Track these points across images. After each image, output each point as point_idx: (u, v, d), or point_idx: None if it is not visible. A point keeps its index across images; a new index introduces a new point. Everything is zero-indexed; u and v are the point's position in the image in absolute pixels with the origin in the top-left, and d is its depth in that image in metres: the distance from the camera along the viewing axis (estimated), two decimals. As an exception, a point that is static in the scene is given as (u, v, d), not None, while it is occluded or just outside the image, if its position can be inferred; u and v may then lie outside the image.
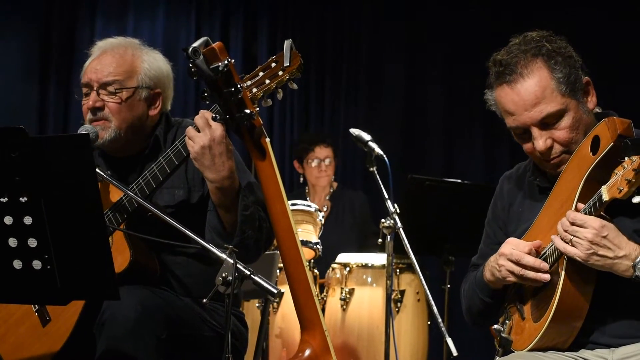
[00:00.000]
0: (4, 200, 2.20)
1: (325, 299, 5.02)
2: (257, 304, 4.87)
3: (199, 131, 2.61)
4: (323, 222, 5.05)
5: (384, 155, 4.19)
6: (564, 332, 2.38)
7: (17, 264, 2.23)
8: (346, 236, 5.77)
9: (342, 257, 5.11)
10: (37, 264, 2.22)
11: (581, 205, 2.31)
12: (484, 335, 2.69)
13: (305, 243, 4.78)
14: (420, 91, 7.06)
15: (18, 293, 2.30)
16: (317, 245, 4.87)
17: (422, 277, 4.02)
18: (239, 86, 2.35)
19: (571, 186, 2.36)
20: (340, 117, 7.09)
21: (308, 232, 4.88)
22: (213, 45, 2.33)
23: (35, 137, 2.19)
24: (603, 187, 2.21)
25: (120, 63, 2.93)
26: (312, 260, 4.94)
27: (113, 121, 2.91)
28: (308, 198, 5.76)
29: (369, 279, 4.96)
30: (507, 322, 2.57)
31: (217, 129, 2.58)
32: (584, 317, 2.35)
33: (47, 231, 2.20)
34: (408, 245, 4.03)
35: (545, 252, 2.41)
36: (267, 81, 2.46)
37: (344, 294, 4.91)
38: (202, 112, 2.63)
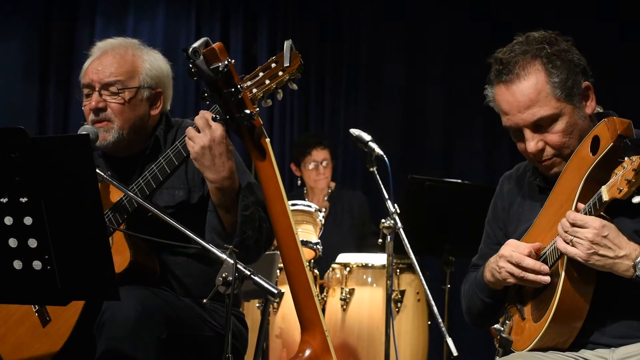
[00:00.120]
0: (4, 200, 2.20)
1: (325, 299, 5.02)
2: (257, 304, 4.87)
3: (199, 131, 2.61)
4: (323, 222, 5.05)
5: (384, 156, 4.19)
6: (564, 332, 2.38)
7: (17, 264, 2.23)
8: (345, 236, 5.77)
9: (342, 257, 5.11)
10: (37, 265, 2.22)
11: (581, 206, 2.31)
12: (484, 336, 2.69)
13: (305, 243, 4.78)
14: (420, 91, 7.06)
15: (18, 293, 2.30)
16: (317, 246, 4.87)
17: (422, 277, 4.02)
18: (239, 86, 2.35)
19: (571, 186, 2.36)
20: (340, 117, 7.09)
21: (308, 232, 4.88)
22: (213, 45, 2.33)
23: (35, 138, 2.19)
24: (603, 187, 2.21)
25: (121, 63, 2.93)
26: (312, 261, 4.93)
27: (116, 122, 2.91)
28: (306, 199, 5.75)
29: (369, 279, 4.96)
30: (507, 322, 2.57)
31: (217, 129, 2.58)
32: (584, 317, 2.35)
33: (47, 231, 2.20)
34: (408, 246, 4.03)
35: (545, 253, 2.41)
36: (267, 81, 2.46)
37: (344, 294, 4.91)
38: (202, 112, 2.63)
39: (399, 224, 4.11)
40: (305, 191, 5.90)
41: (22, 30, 6.89)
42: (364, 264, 4.99)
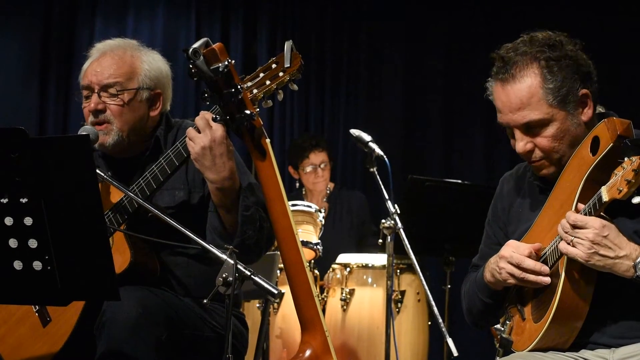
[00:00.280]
0: (5, 201, 2.20)
1: (325, 299, 5.02)
2: (258, 305, 4.87)
3: (199, 132, 2.62)
4: (323, 222, 5.04)
5: (384, 156, 4.19)
6: (564, 332, 2.38)
7: (18, 264, 2.23)
8: (345, 237, 5.76)
9: (342, 258, 5.12)
10: (37, 265, 2.22)
11: (581, 206, 2.31)
12: (485, 336, 2.69)
13: (305, 243, 4.78)
14: (421, 91, 7.06)
15: (18, 294, 2.30)
16: (318, 246, 4.87)
17: (422, 278, 4.03)
18: (239, 87, 2.35)
19: (571, 187, 2.36)
20: (340, 117, 7.09)
21: (308, 233, 4.88)
22: (213, 46, 2.33)
23: (35, 138, 2.19)
24: (603, 187, 2.21)
25: (120, 65, 2.93)
26: (313, 261, 4.93)
27: (115, 123, 2.91)
28: (305, 200, 5.74)
29: (370, 280, 4.96)
30: (507, 322, 2.57)
31: (218, 129, 2.58)
32: (584, 318, 2.35)
33: (48, 232, 2.20)
34: (408, 246, 4.04)
35: (545, 253, 2.41)
36: (268, 82, 2.46)
37: (344, 295, 4.91)
38: (202, 113, 2.63)
39: (399, 224, 4.12)
40: (303, 192, 5.89)
41: (22, 30, 6.89)
42: (364, 265, 4.99)
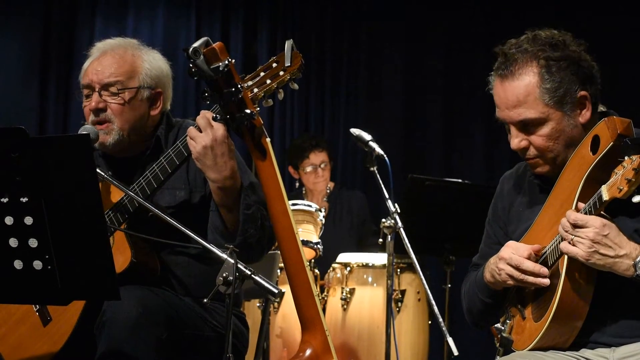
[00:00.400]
0: (5, 200, 2.20)
1: (325, 298, 5.02)
2: (258, 304, 4.87)
3: (200, 131, 2.62)
4: (323, 222, 5.05)
5: (385, 155, 4.18)
6: (564, 331, 2.38)
7: (18, 264, 2.23)
8: (345, 236, 5.76)
9: (342, 257, 5.12)
10: (37, 264, 2.22)
11: (581, 205, 2.31)
12: (485, 335, 2.69)
13: (305, 243, 4.78)
14: (421, 91, 7.06)
15: (19, 293, 2.30)
16: (318, 245, 4.87)
17: (422, 277, 4.02)
18: (239, 86, 2.35)
19: (571, 186, 2.36)
20: (340, 117, 7.09)
21: (308, 232, 4.88)
22: (213, 45, 2.33)
23: (35, 137, 2.20)
24: (603, 186, 2.21)
25: (121, 64, 2.93)
26: (313, 260, 4.93)
27: (116, 123, 2.90)
28: (305, 200, 5.74)
29: (370, 279, 4.96)
30: (507, 321, 2.57)
31: (219, 129, 2.58)
32: (584, 317, 2.35)
33: (48, 231, 2.20)
34: (409, 245, 4.03)
35: (545, 252, 2.41)
36: (268, 81, 2.46)
37: (344, 294, 4.91)
38: (203, 112, 2.64)
39: (400, 224, 4.11)
40: (304, 192, 5.89)
41: (22, 30, 6.89)
42: (364, 264, 4.99)
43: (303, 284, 2.37)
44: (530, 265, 2.40)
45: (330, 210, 5.83)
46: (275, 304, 4.89)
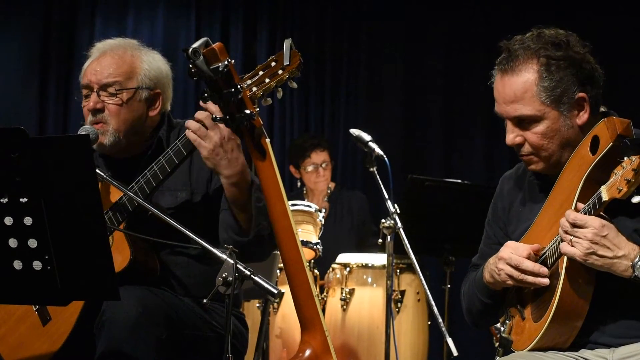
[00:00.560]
0: (4, 200, 2.20)
1: (325, 299, 5.02)
2: (258, 304, 4.87)
3: (205, 130, 2.63)
4: (323, 222, 5.05)
5: (384, 156, 4.19)
6: (564, 332, 2.38)
7: (18, 264, 2.23)
8: (345, 237, 5.76)
9: (342, 258, 5.12)
10: (37, 265, 2.22)
11: (581, 205, 2.31)
12: (485, 336, 2.69)
13: (305, 243, 4.78)
14: (421, 91, 7.06)
15: (18, 293, 2.30)
16: (317, 246, 4.87)
17: (422, 277, 4.02)
18: (239, 87, 2.34)
19: (571, 186, 2.36)
20: (340, 117, 7.09)
21: (308, 233, 4.88)
22: (213, 45, 2.33)
23: (35, 138, 2.19)
24: (602, 187, 2.21)
25: (119, 64, 2.93)
26: (312, 261, 4.93)
27: (112, 124, 2.90)
28: (306, 200, 5.74)
29: (369, 279, 4.96)
30: (507, 322, 2.57)
31: (224, 127, 2.59)
32: (584, 317, 2.35)
33: (47, 232, 2.20)
34: (408, 246, 4.03)
35: (545, 253, 2.41)
36: (267, 80, 2.46)
37: (344, 294, 4.91)
38: (203, 112, 2.64)
39: (399, 224, 4.11)
40: (304, 192, 5.90)
41: (22, 30, 6.89)
42: (364, 264, 4.99)
43: (302, 284, 2.37)
44: (529, 265, 2.40)
45: (331, 210, 5.83)
46: (275, 304, 4.89)
